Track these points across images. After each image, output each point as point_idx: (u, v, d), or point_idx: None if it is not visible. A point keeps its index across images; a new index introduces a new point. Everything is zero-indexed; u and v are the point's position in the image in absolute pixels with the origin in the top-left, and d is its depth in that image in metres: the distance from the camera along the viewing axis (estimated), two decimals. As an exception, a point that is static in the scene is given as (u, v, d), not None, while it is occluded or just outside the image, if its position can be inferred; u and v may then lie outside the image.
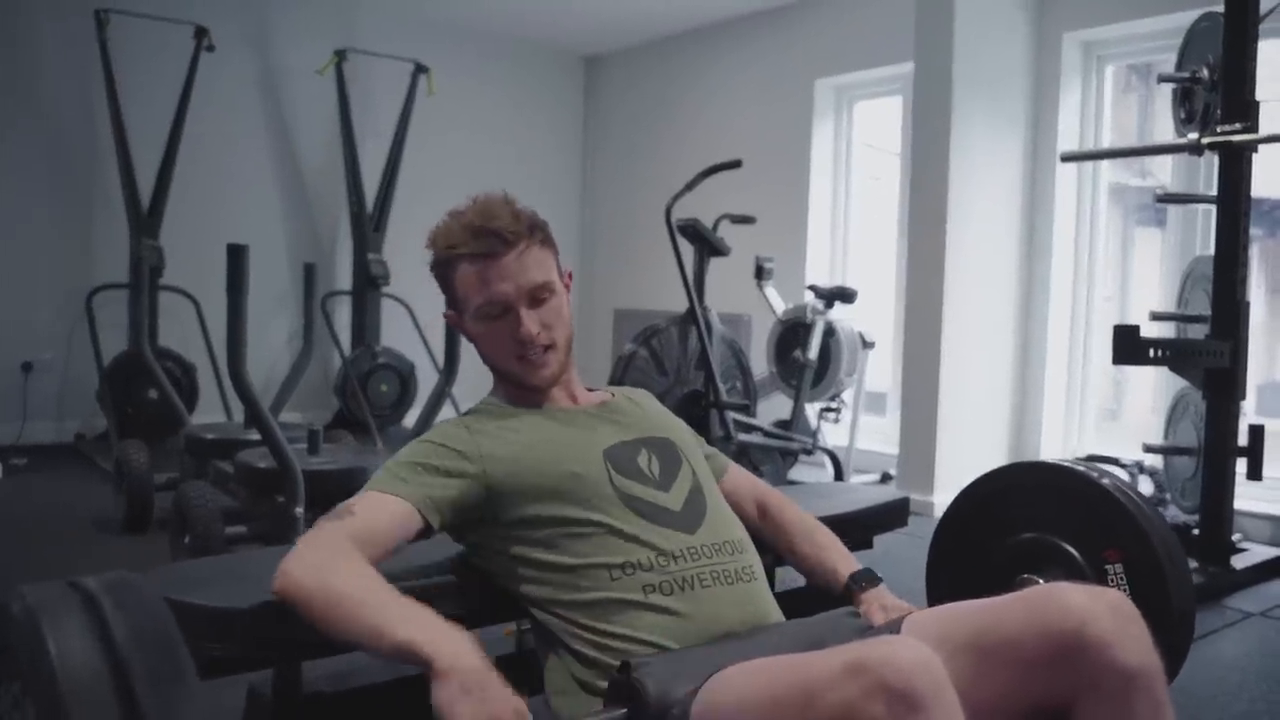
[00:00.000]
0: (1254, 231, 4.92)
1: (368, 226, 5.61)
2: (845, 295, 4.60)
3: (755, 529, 1.58)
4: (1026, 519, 1.81)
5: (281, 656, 1.34)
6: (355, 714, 1.45)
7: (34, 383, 5.12)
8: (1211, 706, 2.23)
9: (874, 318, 5.10)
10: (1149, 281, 4.85)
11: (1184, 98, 3.52)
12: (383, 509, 1.32)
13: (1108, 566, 1.68)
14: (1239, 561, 3.34)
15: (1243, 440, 3.29)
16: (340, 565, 1.20)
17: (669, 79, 6.50)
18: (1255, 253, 4.88)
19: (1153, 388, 4.50)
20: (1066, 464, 1.90)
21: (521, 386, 1.49)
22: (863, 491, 2.31)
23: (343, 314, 5.75)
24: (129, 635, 0.89)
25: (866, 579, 1.52)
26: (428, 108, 5.85)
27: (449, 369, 3.29)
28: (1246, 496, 3.72)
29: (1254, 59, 3.14)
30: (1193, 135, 3.28)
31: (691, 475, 1.48)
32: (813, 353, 4.48)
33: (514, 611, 1.45)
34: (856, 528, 1.95)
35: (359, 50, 5.72)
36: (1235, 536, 3.46)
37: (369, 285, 5.55)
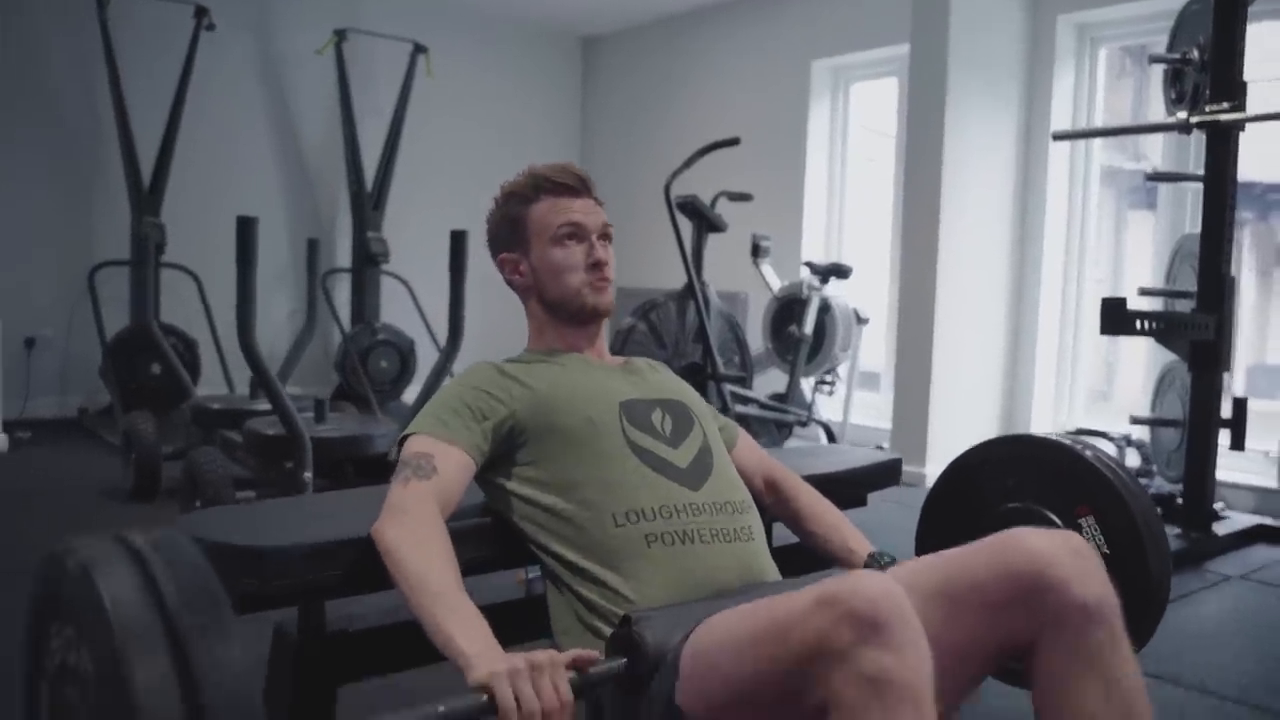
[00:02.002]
0: (1244, 214, 5.01)
1: (367, 205, 5.66)
2: (840, 272, 4.68)
3: (762, 503, 1.64)
4: (1010, 489, 1.88)
5: (306, 595, 1.41)
6: (378, 651, 1.52)
7: (37, 358, 5.17)
8: (1192, 658, 2.32)
9: (868, 295, 5.17)
10: (1141, 263, 4.92)
11: (1175, 78, 3.59)
12: (453, 462, 1.40)
13: (1081, 521, 1.76)
14: (1220, 528, 3.43)
15: (1226, 413, 3.38)
16: (431, 544, 1.29)
17: (667, 59, 6.55)
18: (1246, 235, 4.97)
19: (1143, 369, 4.58)
20: (1046, 436, 1.99)
21: (578, 314, 1.59)
22: (857, 453, 2.39)
23: (341, 291, 5.80)
24: (173, 582, 0.95)
25: (887, 559, 1.54)
26: (426, 88, 5.89)
27: (453, 340, 3.35)
28: (1230, 468, 3.82)
29: (1243, 40, 3.21)
30: (1182, 114, 3.35)
31: (701, 437, 1.54)
32: (808, 327, 4.55)
33: (526, 557, 1.53)
34: (850, 485, 2.03)
35: (358, 30, 5.75)
36: (1218, 505, 3.55)
37: (369, 263, 5.60)
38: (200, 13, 5.11)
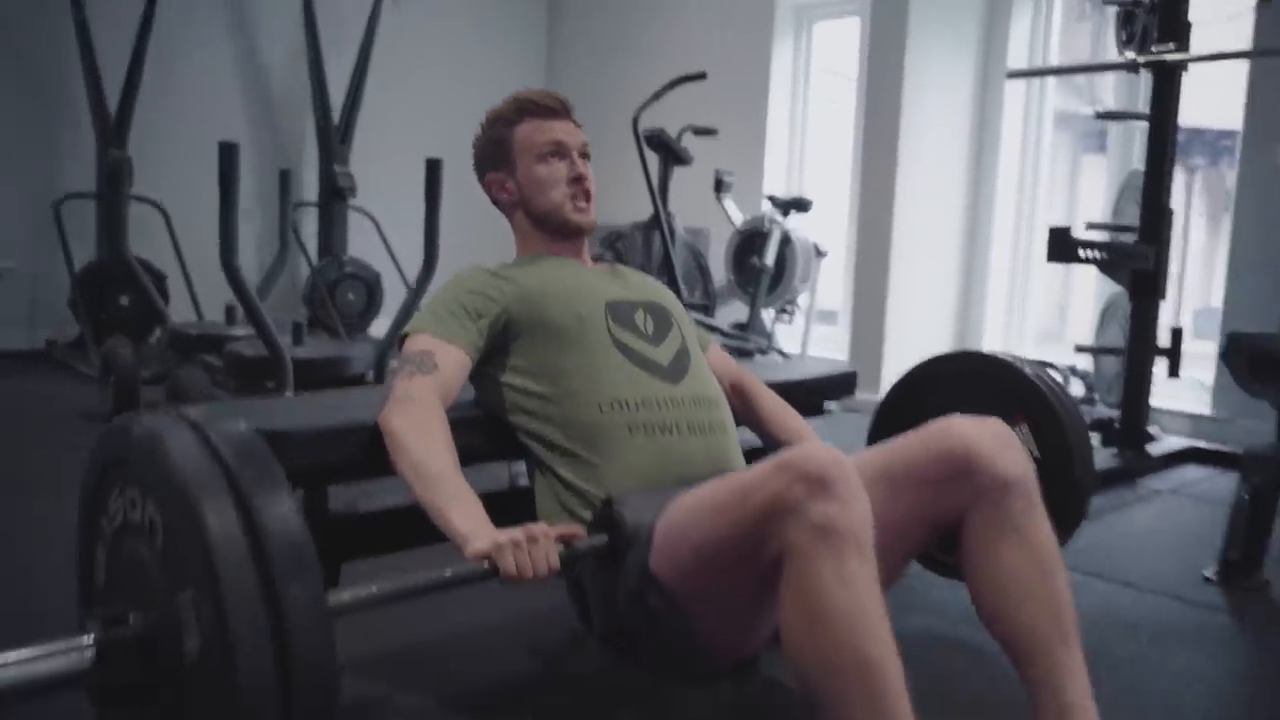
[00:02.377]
0: (1196, 160, 5.19)
1: (334, 139, 5.68)
2: (801, 205, 4.80)
3: (729, 406, 1.77)
4: (952, 400, 2.03)
5: (311, 479, 1.53)
6: (376, 534, 1.65)
7: (2, 291, 5.17)
8: (1121, 559, 2.52)
9: (828, 232, 5.31)
10: (1095, 206, 5.09)
11: (1126, 20, 3.72)
12: (452, 359, 1.52)
13: (1016, 429, 1.93)
14: (1155, 449, 3.63)
15: (1165, 344, 3.57)
16: (433, 432, 1.42)
17: (632, -3, 6.58)
18: (1197, 181, 5.15)
19: (1092, 312, 4.77)
20: (989, 352, 2.16)
21: (561, 228, 1.72)
22: (815, 364, 2.54)
23: (308, 225, 5.83)
24: (229, 445, 1.07)
25: None
26: (393, 24, 5.88)
27: (428, 267, 3.44)
28: (1168, 397, 4.04)
29: (1188, -18, 3.34)
30: (1130, 55, 3.49)
31: (680, 338, 1.68)
32: (769, 259, 4.69)
33: (515, 450, 1.65)
34: (808, 392, 2.19)
35: (325, -38, 5.73)
36: (1153, 429, 3.76)
37: (335, 197, 5.64)
38: (165, -59, 5.06)
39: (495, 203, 1.78)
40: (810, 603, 1.11)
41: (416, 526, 1.54)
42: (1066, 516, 1.91)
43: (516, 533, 1.24)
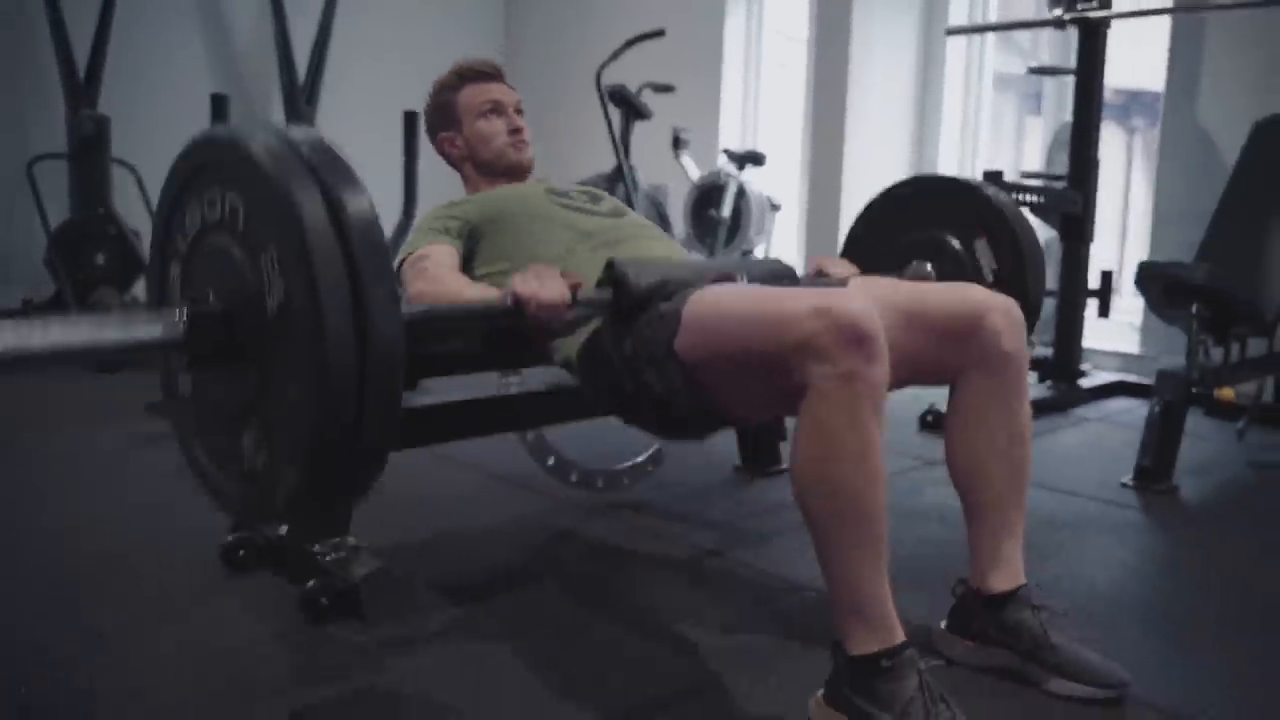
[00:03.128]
0: (1136, 121, 5.46)
1: (300, 99, 5.78)
2: (755, 159, 5.02)
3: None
4: (917, 220, 2.23)
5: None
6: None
7: (-27, 251, 5.25)
8: (1051, 471, 2.80)
9: (781, 186, 5.54)
10: (1037, 164, 5.36)
11: (1057, -20, 3.98)
12: (445, 250, 1.78)
13: (976, 243, 2.15)
14: (1085, 383, 3.93)
15: (1095, 285, 3.85)
16: (451, 272, 1.71)
17: (588, -40, 6.72)
18: (1138, 142, 5.43)
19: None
20: (950, 175, 2.34)
21: (507, 169, 2.01)
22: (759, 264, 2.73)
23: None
24: (309, 146, 1.16)
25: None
26: (354, -16, 5.99)
27: (408, 214, 3.60)
28: (1101, 337, 4.34)
29: (1111, -56, 3.60)
30: (1058, 12, 3.74)
31: (619, 203, 1.95)
32: (726, 210, 4.91)
33: (503, 359, 1.88)
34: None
35: (287, -77, 5.81)
36: (1085, 366, 4.06)
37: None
38: (130, -99, 5.13)
39: (446, 158, 2.08)
40: (824, 437, 1.28)
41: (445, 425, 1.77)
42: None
43: (531, 269, 1.46)
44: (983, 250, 2.12)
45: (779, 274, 1.74)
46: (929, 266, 2.17)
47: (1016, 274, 2.12)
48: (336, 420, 1.09)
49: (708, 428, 1.64)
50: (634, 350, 1.51)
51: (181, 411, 1.37)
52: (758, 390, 1.44)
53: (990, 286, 1.82)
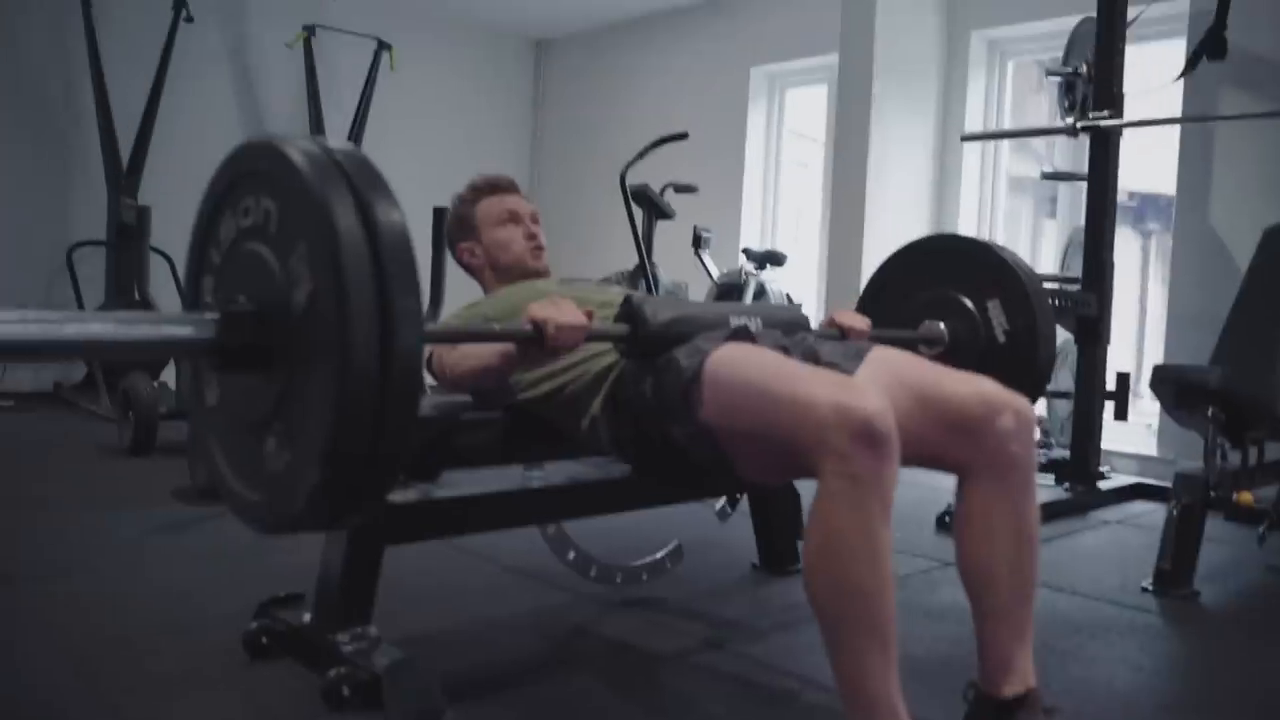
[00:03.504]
0: (1150, 225, 5.54)
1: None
2: (775, 259, 5.11)
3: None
4: (932, 279, 2.26)
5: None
6: (418, 522, 1.89)
7: (10, 333, 5.35)
8: (1069, 573, 2.79)
9: (799, 284, 5.63)
10: (1053, 266, 5.43)
11: (1068, 89, 4.10)
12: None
13: (989, 304, 2.17)
14: (1104, 485, 3.93)
15: (1112, 386, 3.87)
16: (471, 348, 1.75)
17: (615, 63, 6.96)
18: (1153, 245, 5.51)
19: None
20: (965, 235, 2.38)
21: (524, 275, 2.09)
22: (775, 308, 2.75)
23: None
24: (347, 159, 1.20)
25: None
26: (388, 84, 6.23)
27: (434, 309, 3.69)
28: (1118, 440, 4.34)
29: (1121, 57, 3.72)
30: (1070, 120, 3.85)
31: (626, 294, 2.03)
32: (746, 309, 4.97)
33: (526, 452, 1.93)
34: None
35: (326, 26, 6.08)
36: (1104, 468, 4.05)
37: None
38: (179, 4, 5.38)
39: (466, 268, 2.18)
40: (832, 537, 1.31)
41: (458, 518, 1.81)
42: (1029, 382, 2.10)
43: (547, 299, 1.54)
44: (995, 311, 2.14)
45: (794, 323, 1.79)
46: (942, 325, 2.20)
47: (1028, 335, 2.14)
48: (357, 419, 1.12)
49: (727, 484, 1.68)
50: (654, 392, 1.57)
51: (207, 422, 1.39)
52: (769, 456, 1.49)
53: (1002, 346, 1.83)
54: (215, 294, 1.34)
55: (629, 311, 1.62)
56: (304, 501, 1.18)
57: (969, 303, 2.20)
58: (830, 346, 1.79)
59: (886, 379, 1.59)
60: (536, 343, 1.49)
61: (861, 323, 1.97)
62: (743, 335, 1.67)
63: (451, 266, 3.89)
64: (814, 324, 1.94)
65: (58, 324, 1.15)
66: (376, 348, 1.11)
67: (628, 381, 1.65)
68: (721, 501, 2.85)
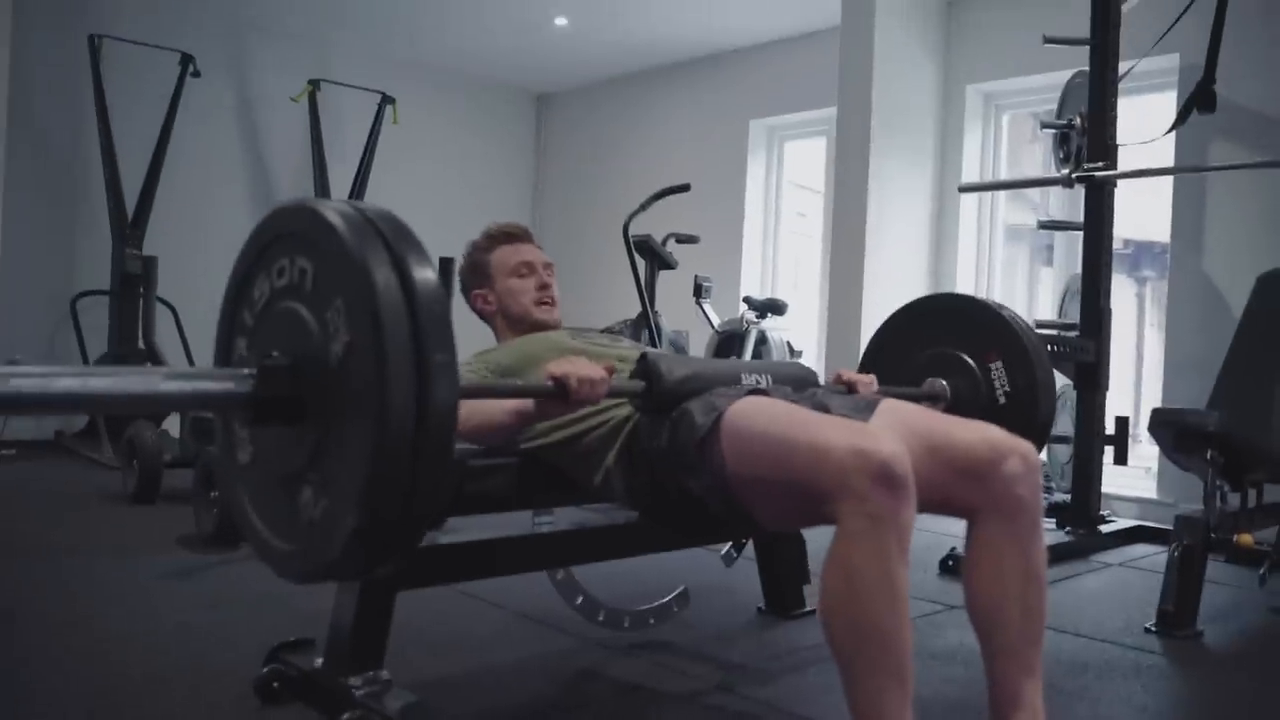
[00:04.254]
0: (1146, 272, 5.62)
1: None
2: (776, 307, 5.17)
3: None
4: (934, 338, 2.29)
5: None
6: (431, 567, 1.91)
7: (13, 383, 5.38)
8: (1072, 615, 2.80)
9: (800, 332, 5.68)
10: (1050, 313, 5.49)
11: (1062, 141, 4.19)
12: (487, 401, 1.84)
13: (991, 365, 2.20)
14: (1106, 529, 3.94)
15: (1111, 431, 3.90)
16: (487, 402, 1.75)
17: (615, 116, 7.08)
18: (1148, 291, 5.58)
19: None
20: (966, 294, 2.42)
21: (533, 326, 2.11)
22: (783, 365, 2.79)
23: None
24: (381, 219, 1.25)
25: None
26: (391, 137, 6.32)
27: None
28: (1119, 485, 4.37)
29: (1114, 109, 3.81)
30: (1064, 171, 3.92)
31: (640, 344, 2.09)
32: (747, 356, 5.03)
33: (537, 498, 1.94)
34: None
35: (331, 81, 6.18)
36: (1105, 512, 4.07)
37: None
38: (186, 60, 5.48)
39: (479, 314, 2.22)
40: (851, 576, 1.33)
41: (463, 563, 1.82)
42: (1032, 435, 2.10)
43: (563, 358, 1.59)
44: (997, 371, 2.19)
45: (804, 380, 1.83)
46: (943, 383, 2.24)
47: (1029, 394, 2.19)
48: (394, 469, 1.15)
49: (741, 531, 1.70)
50: (670, 445, 1.61)
51: (239, 479, 1.42)
52: (787, 502, 1.52)
53: (1002, 405, 1.87)
54: (250, 351, 1.38)
55: (645, 369, 1.66)
56: (340, 548, 1.21)
57: (969, 360, 2.24)
58: (840, 400, 1.83)
59: (898, 427, 1.62)
60: (559, 398, 1.53)
61: (867, 378, 2.02)
62: (756, 393, 1.70)
63: (457, 313, 3.97)
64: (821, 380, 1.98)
65: (84, 378, 1.19)
66: (413, 401, 1.15)
67: (643, 435, 1.69)
68: (727, 546, 2.87)
